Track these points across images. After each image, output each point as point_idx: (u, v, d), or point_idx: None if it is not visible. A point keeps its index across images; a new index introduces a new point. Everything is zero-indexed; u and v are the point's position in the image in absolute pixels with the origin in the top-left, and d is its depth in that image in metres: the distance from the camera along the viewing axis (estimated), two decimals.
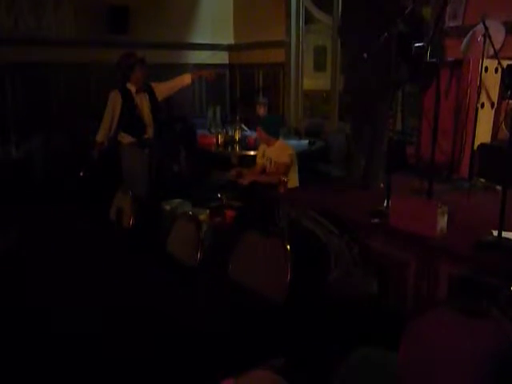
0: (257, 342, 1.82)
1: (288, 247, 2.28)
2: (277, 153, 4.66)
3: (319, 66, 11.83)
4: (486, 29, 3.90)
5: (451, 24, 4.60)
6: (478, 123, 4.16)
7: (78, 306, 2.21)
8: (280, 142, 4.76)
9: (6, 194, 4.78)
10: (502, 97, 4.29)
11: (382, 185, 4.25)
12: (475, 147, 4.25)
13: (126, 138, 4.92)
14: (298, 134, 6.40)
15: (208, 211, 4.09)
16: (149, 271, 2.54)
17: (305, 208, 3.16)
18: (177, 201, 4.30)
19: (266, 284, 2.27)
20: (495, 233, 2.76)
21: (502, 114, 4.32)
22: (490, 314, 1.59)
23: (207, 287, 2.40)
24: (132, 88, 4.85)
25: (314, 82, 9.42)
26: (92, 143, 4.88)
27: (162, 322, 2.05)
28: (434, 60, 3.86)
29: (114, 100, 4.81)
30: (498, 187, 3.69)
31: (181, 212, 3.34)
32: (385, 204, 3.33)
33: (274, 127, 4.80)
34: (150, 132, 4.97)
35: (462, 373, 1.62)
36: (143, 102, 4.92)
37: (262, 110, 6.47)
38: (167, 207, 4.16)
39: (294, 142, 5.52)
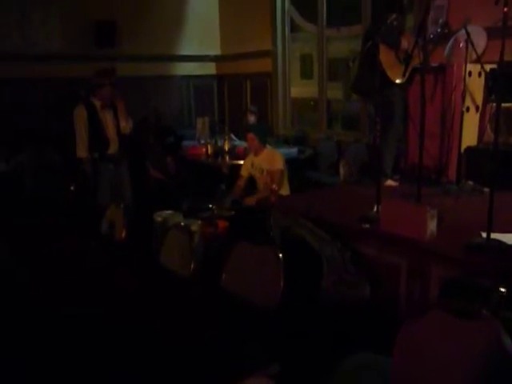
0: (251, 350, 1.83)
1: (280, 255, 2.29)
2: (268, 161, 4.68)
3: (306, 74, 11.92)
4: (468, 34, 3.97)
5: (434, 30, 4.66)
6: (463, 127, 4.22)
7: (69, 318, 2.21)
8: (268, 150, 4.79)
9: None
10: (486, 100, 4.36)
11: (389, 181, 4.35)
12: (462, 150, 4.32)
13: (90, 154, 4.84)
14: (286, 142, 6.44)
15: (200, 222, 4.11)
16: (141, 282, 2.54)
17: (296, 215, 3.19)
18: (168, 212, 4.31)
19: (258, 292, 2.29)
20: (484, 234, 2.79)
21: (487, 117, 4.39)
22: (480, 316, 1.62)
23: (200, 297, 2.41)
24: (97, 103, 4.78)
25: (301, 89, 9.49)
26: (78, 160, 4.81)
27: (153, 332, 2.05)
28: (417, 65, 3.94)
29: (79, 114, 4.74)
30: (486, 189, 3.75)
31: (173, 223, 3.34)
32: (375, 209, 3.35)
33: (263, 135, 4.85)
34: (113, 148, 4.87)
35: (454, 373, 1.64)
36: (107, 118, 4.83)
37: (252, 119, 6.51)
38: (159, 218, 4.17)
39: (283, 151, 5.55)
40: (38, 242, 3.22)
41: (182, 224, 2.97)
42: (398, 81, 4.15)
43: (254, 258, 2.40)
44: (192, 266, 2.53)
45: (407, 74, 4.00)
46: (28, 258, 2.89)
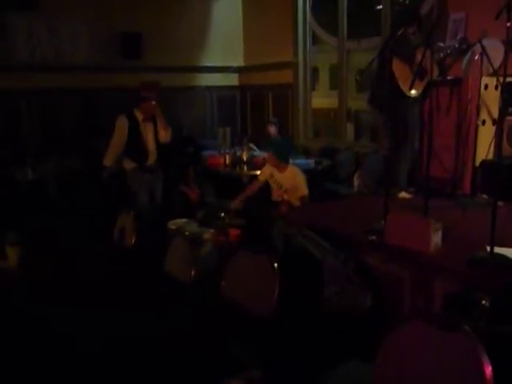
0: (237, 354, 1.88)
1: (276, 265, 2.34)
2: (290, 182, 4.62)
3: (335, 85, 11.98)
4: (483, 47, 3.96)
5: (452, 43, 4.65)
6: (479, 140, 4.19)
7: (77, 321, 2.30)
8: (291, 169, 4.73)
9: (22, 213, 4.96)
10: (502, 113, 4.32)
11: (402, 192, 4.35)
12: (477, 163, 4.29)
13: (128, 164, 5.00)
14: (306, 153, 6.48)
15: (212, 230, 4.18)
16: (146, 289, 2.62)
17: (300, 226, 3.23)
18: (182, 220, 4.41)
19: (254, 301, 2.33)
20: (489, 248, 2.78)
21: (505, 131, 4.34)
22: (461, 328, 1.64)
23: (201, 305, 2.47)
24: (139, 115, 4.91)
25: (330, 100, 9.53)
26: (102, 167, 4.98)
27: (153, 339, 2.12)
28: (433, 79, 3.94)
29: (121, 125, 4.89)
30: (500, 203, 3.71)
31: (179, 231, 3.43)
32: (382, 222, 3.36)
33: (285, 152, 4.78)
34: (152, 159, 5.02)
35: (434, 383, 1.66)
36: (148, 130, 4.96)
37: (273, 130, 6.57)
38: (173, 227, 4.27)
39: (300, 162, 5.58)
40: (52, 246, 3.35)
41: (187, 233, 3.04)
42: (410, 95, 4.15)
43: (251, 267, 2.45)
44: (193, 273, 2.59)
45: (417, 87, 4.00)
46: (40, 263, 3.00)
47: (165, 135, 5.00)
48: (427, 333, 1.70)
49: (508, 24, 2.53)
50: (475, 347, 1.55)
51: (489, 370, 1.52)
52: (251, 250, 2.50)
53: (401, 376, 1.74)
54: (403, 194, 4.40)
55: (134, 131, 4.88)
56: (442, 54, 4.37)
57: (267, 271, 2.34)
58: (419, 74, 3.94)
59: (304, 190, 4.57)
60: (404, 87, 4.20)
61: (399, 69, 4.20)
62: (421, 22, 4.46)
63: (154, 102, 4.88)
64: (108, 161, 4.93)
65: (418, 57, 4.25)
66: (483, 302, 1.94)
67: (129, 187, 5.00)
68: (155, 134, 4.99)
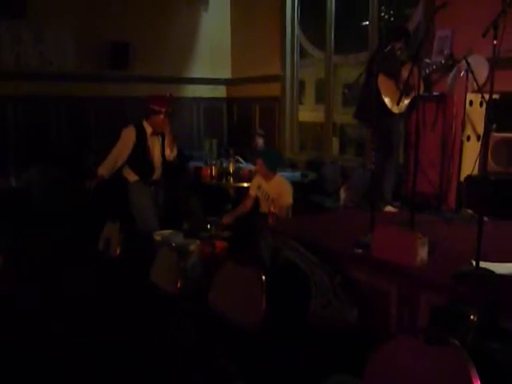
0: (222, 365, 1.86)
1: (263, 277, 2.33)
2: (276, 190, 4.66)
3: (321, 99, 12.05)
4: (468, 64, 4.02)
5: (437, 59, 4.72)
6: (464, 155, 4.25)
7: (62, 331, 2.26)
8: (278, 178, 4.77)
9: (4, 220, 4.87)
10: (487, 130, 4.38)
11: (388, 207, 4.38)
12: (462, 179, 4.33)
13: (131, 176, 4.83)
14: (292, 166, 6.50)
15: (198, 242, 4.15)
16: (131, 299, 2.59)
17: (286, 238, 3.22)
18: (168, 231, 4.37)
19: (241, 312, 2.32)
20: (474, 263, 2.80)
21: (490, 147, 4.40)
22: (449, 342, 1.64)
23: (187, 316, 2.45)
24: (148, 128, 4.74)
25: (315, 114, 9.59)
26: (92, 173, 4.78)
27: (133, 350, 2.09)
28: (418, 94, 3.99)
29: (128, 136, 4.70)
30: (486, 218, 3.75)
31: (164, 242, 3.40)
32: (369, 235, 3.37)
33: (274, 162, 4.82)
34: (157, 175, 4.86)
35: None
36: (155, 144, 4.81)
37: (260, 141, 6.59)
38: (158, 238, 4.23)
39: (287, 174, 5.60)
40: (36, 255, 3.30)
41: (173, 244, 3.02)
42: (395, 110, 4.20)
43: (238, 279, 2.44)
44: (179, 284, 2.57)
45: (402, 103, 4.05)
46: (23, 270, 2.96)
47: (169, 154, 4.85)
48: (415, 347, 1.70)
49: (494, 42, 2.57)
50: (464, 362, 1.55)
51: None
52: (239, 261, 2.48)
53: None
54: (389, 208, 4.44)
55: (141, 144, 4.70)
56: (427, 70, 4.44)
57: (255, 283, 2.33)
58: (405, 90, 4.00)
59: (289, 199, 4.59)
60: (389, 103, 4.25)
61: (385, 85, 4.25)
62: (408, 38, 4.52)
63: (163, 117, 4.70)
64: (103, 170, 4.72)
65: (405, 73, 4.31)
66: (471, 317, 1.95)
67: (127, 198, 4.83)
68: (162, 149, 4.83)
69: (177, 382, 1.78)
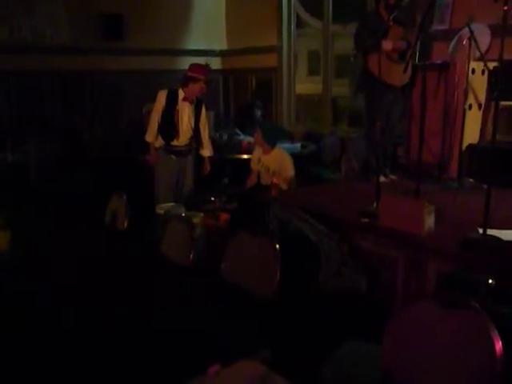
0: (246, 337, 1.88)
1: (277, 246, 2.34)
2: (276, 162, 4.66)
3: (313, 71, 11.91)
4: (471, 32, 3.98)
5: (438, 27, 4.68)
6: (466, 124, 4.24)
7: (72, 306, 2.27)
8: (277, 151, 4.77)
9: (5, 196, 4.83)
10: (489, 98, 4.38)
11: (383, 178, 4.38)
12: (464, 148, 4.34)
13: (158, 141, 4.88)
14: (290, 138, 6.47)
15: (202, 214, 4.16)
16: (141, 271, 2.60)
17: (295, 209, 3.23)
18: (170, 204, 4.37)
19: (255, 282, 2.33)
20: (481, 230, 2.83)
21: (490, 115, 4.40)
22: (468, 307, 1.66)
23: (199, 286, 2.47)
24: (181, 94, 4.77)
25: (308, 86, 9.50)
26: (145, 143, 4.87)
27: (154, 319, 2.11)
28: (420, 63, 3.97)
29: (158, 100, 4.77)
30: (486, 186, 3.77)
31: (173, 214, 3.40)
32: (374, 204, 3.39)
33: (273, 136, 4.81)
34: (181, 141, 4.85)
35: (442, 361, 1.69)
36: (185, 110, 4.80)
37: (258, 113, 6.55)
38: (160, 211, 4.23)
39: (287, 146, 5.58)
40: (41, 230, 3.29)
41: (183, 215, 3.02)
42: (397, 83, 4.16)
43: (252, 249, 2.45)
44: (192, 256, 2.58)
45: (404, 76, 3.99)
46: (30, 246, 2.95)
47: (203, 128, 4.97)
48: (435, 312, 1.72)
49: (505, 7, 2.54)
50: (487, 324, 1.58)
51: (499, 345, 1.55)
52: (251, 231, 2.49)
53: (408, 356, 1.76)
54: (382, 179, 4.43)
55: (170, 107, 4.75)
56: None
57: (269, 252, 2.34)
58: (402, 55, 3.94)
59: (290, 172, 4.60)
60: (388, 80, 4.18)
61: (375, 62, 4.12)
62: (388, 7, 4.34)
63: (202, 84, 4.74)
64: (149, 137, 4.83)
65: (387, 45, 4.20)
66: (490, 281, 1.97)
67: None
68: (191, 118, 4.85)
69: (204, 345, 1.80)
